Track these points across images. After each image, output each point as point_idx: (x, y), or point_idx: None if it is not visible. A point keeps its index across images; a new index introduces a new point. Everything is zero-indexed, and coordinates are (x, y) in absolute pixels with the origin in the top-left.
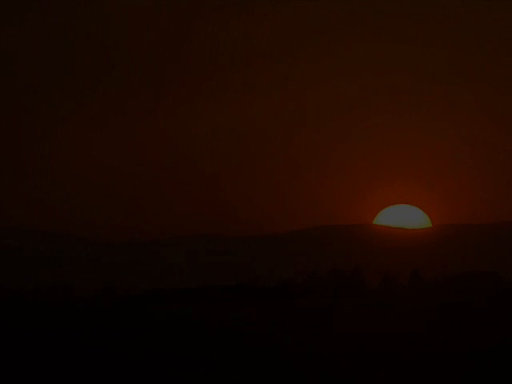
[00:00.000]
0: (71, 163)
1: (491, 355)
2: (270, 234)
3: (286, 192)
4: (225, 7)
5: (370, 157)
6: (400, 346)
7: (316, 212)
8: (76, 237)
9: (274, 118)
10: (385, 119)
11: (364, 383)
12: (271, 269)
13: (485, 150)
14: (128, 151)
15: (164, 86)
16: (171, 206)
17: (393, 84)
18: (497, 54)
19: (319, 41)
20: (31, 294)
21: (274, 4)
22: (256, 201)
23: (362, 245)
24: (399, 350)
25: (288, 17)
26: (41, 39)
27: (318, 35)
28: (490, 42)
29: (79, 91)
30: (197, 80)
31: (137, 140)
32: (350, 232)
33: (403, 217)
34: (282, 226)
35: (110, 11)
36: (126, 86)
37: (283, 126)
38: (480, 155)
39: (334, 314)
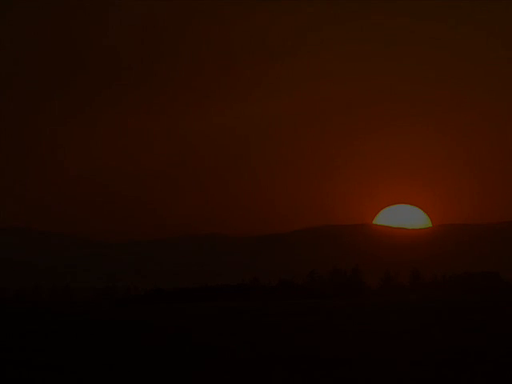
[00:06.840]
0: (71, 164)
1: (491, 356)
2: (270, 234)
3: (286, 192)
4: (226, 8)
5: (371, 157)
6: (400, 346)
7: (316, 212)
8: (76, 237)
9: (276, 119)
10: (385, 120)
11: None
12: (271, 269)
13: (484, 151)
14: (128, 152)
15: (163, 87)
16: (171, 206)
17: (393, 86)
18: (495, 55)
19: (321, 41)
20: (31, 294)
21: (275, 5)
22: (256, 201)
23: (362, 245)
24: (399, 350)
25: (289, 17)
26: (42, 39)
27: (320, 36)
28: (489, 45)
29: (79, 92)
30: (197, 80)
31: (137, 141)
32: (350, 232)
33: (403, 217)
34: (283, 226)
35: (110, 12)
36: (126, 87)
37: (284, 126)
38: (480, 155)
39: (333, 313)
